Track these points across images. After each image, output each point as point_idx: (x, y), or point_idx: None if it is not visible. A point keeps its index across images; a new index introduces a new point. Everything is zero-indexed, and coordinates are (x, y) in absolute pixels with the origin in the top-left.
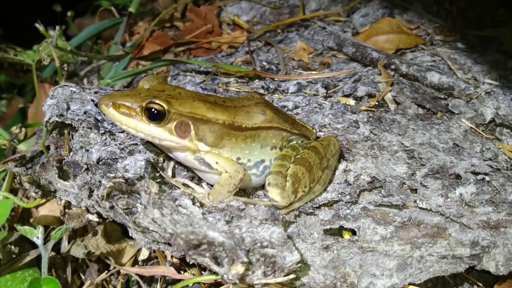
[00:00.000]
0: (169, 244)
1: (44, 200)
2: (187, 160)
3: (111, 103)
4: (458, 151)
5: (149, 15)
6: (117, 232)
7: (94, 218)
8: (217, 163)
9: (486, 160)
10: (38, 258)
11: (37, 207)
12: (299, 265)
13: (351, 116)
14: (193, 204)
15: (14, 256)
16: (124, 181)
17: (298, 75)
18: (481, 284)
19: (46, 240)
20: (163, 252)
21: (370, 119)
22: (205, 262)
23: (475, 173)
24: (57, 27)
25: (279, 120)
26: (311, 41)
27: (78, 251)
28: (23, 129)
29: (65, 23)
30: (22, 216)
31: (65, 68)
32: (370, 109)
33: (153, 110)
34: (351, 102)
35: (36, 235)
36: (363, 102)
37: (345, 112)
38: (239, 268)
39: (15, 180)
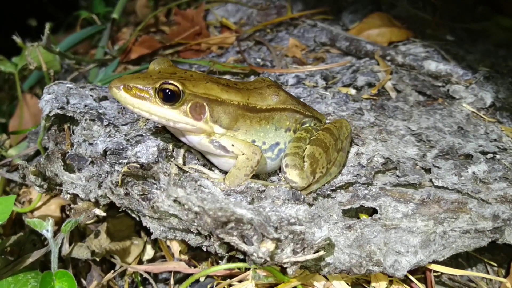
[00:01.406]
0: (188, 231)
1: (40, 203)
2: (202, 144)
3: (122, 86)
4: (464, 133)
5: (132, 24)
6: (120, 231)
7: (101, 212)
8: (233, 145)
9: (492, 141)
10: (40, 262)
11: (32, 211)
12: (327, 242)
13: (354, 105)
14: (214, 185)
15: (11, 259)
16: (139, 165)
17: (295, 68)
18: (495, 264)
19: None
20: (170, 249)
21: (373, 106)
22: (232, 241)
23: (483, 153)
24: (47, 25)
25: (292, 101)
26: (302, 38)
27: (81, 252)
28: (10, 136)
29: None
30: (15, 223)
31: (51, 74)
32: (371, 97)
33: (167, 91)
34: (352, 91)
35: (46, 227)
36: (363, 91)
37: (348, 101)
38: (269, 245)
39: (18, 173)
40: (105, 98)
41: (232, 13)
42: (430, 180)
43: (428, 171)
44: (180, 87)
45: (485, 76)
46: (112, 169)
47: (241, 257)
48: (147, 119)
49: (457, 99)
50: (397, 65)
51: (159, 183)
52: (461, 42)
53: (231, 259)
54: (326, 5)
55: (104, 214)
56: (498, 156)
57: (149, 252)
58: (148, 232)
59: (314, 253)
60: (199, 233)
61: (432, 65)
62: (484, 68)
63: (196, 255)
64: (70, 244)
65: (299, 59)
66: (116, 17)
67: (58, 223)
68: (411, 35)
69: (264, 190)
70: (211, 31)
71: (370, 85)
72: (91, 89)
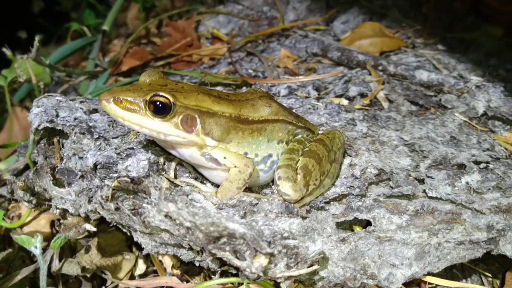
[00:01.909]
0: (180, 246)
1: (30, 218)
2: (193, 157)
3: (112, 99)
4: (456, 143)
5: (123, 35)
6: (111, 246)
7: (91, 227)
8: (225, 158)
9: (484, 151)
10: (30, 279)
11: (21, 226)
12: (321, 255)
13: (346, 115)
14: (205, 199)
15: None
16: (129, 180)
17: (287, 79)
18: (490, 275)
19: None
20: (162, 263)
21: (366, 117)
22: (225, 256)
23: (477, 163)
24: (37, 37)
25: (284, 112)
26: (294, 49)
27: (71, 268)
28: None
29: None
30: (3, 239)
31: (41, 86)
32: (364, 107)
33: (158, 103)
34: (344, 102)
35: (34, 244)
36: (356, 101)
37: (340, 112)
38: (262, 260)
39: (6, 188)
40: (95, 110)
41: (223, 24)
42: (424, 191)
43: (421, 181)
44: (171, 99)
45: (476, 85)
46: (102, 184)
47: (234, 271)
48: (138, 132)
49: (449, 108)
50: (389, 75)
51: (150, 197)
52: (452, 51)
53: (224, 274)
54: (318, 15)
55: (94, 229)
56: (491, 166)
57: (141, 267)
58: (139, 247)
59: (308, 267)
60: (191, 248)
61: (424, 75)
62: (476, 77)
63: (188, 269)
64: (60, 260)
65: (291, 70)
66: (107, 29)
67: (48, 238)
68: (403, 44)
69: (257, 204)
70: (202, 42)
71: (363, 95)
72: (81, 102)
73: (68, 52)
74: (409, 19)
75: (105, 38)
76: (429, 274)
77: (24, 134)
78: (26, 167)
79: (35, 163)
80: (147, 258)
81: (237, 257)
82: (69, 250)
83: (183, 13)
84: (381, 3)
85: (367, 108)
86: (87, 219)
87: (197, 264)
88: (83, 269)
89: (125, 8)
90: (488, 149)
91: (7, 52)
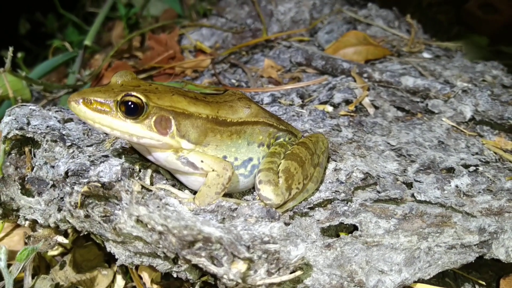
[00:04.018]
0: (155, 256)
1: (2, 235)
2: (169, 161)
3: (81, 100)
4: (445, 147)
5: (106, 51)
6: (88, 261)
7: (63, 239)
8: (202, 161)
9: (473, 155)
10: None
11: None
12: (304, 261)
13: (331, 121)
14: (180, 203)
15: None
16: (100, 185)
17: (271, 87)
18: (483, 283)
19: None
20: (141, 278)
21: (351, 123)
22: (201, 262)
23: (466, 166)
24: (10, 48)
25: (265, 114)
26: (278, 59)
27: (44, 285)
28: None
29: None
30: None
31: (20, 102)
32: (349, 114)
33: (129, 103)
34: (329, 109)
35: None
36: (341, 108)
37: (325, 118)
38: (240, 266)
39: None
40: (70, 120)
41: (207, 37)
42: (412, 195)
43: (409, 185)
44: (144, 100)
45: (463, 89)
46: (72, 190)
47: (213, 282)
48: (114, 140)
49: (436, 113)
50: (374, 82)
51: (121, 203)
52: (438, 59)
53: (204, 286)
54: (302, 26)
55: (66, 241)
56: (480, 169)
57: (119, 283)
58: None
59: (291, 273)
60: (166, 258)
61: (410, 81)
62: (462, 83)
63: (169, 284)
64: (33, 278)
65: (275, 79)
66: (88, 43)
67: None
68: (388, 53)
69: (236, 209)
70: (185, 55)
71: (347, 102)
72: (56, 111)
73: (49, 68)
74: (393, 29)
75: (87, 54)
76: (420, 281)
77: None
78: None
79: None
80: (126, 274)
81: (213, 263)
82: (44, 267)
83: (166, 27)
84: (365, 13)
85: (352, 114)
86: (58, 231)
87: (174, 275)
88: (57, 285)
89: (110, 27)
90: (477, 153)
91: None
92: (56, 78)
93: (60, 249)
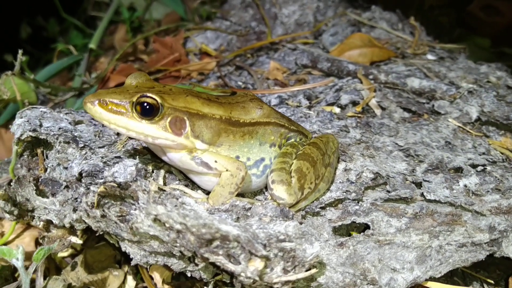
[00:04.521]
0: (170, 255)
1: (13, 236)
2: (183, 161)
3: (97, 101)
4: (452, 147)
5: (110, 55)
6: (99, 262)
7: (76, 240)
8: (216, 161)
9: (480, 155)
10: None
11: (5, 244)
12: (319, 259)
13: (339, 122)
14: (196, 202)
15: None
16: (116, 185)
17: (278, 89)
18: (492, 281)
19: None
20: (152, 278)
21: (359, 124)
22: (218, 260)
23: (473, 166)
24: (20, 51)
25: (276, 115)
26: (283, 62)
27: (56, 286)
28: None
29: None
30: None
31: (27, 105)
32: (356, 115)
33: (145, 104)
34: (336, 110)
35: (16, 256)
36: (348, 109)
37: (332, 119)
38: (258, 264)
39: None
40: (80, 122)
41: (211, 40)
42: (422, 194)
43: (418, 185)
44: (159, 100)
45: (469, 90)
46: (88, 191)
47: (228, 281)
48: (126, 141)
49: (443, 114)
50: (380, 83)
51: (138, 203)
52: (442, 61)
53: (217, 285)
54: (306, 29)
55: (80, 241)
56: (488, 168)
57: (130, 284)
58: (128, 261)
59: (306, 271)
60: (182, 257)
61: (416, 82)
62: (468, 84)
63: (180, 284)
64: (45, 279)
65: (281, 81)
66: (93, 47)
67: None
68: (392, 54)
69: (250, 208)
70: (190, 58)
71: (354, 103)
72: (66, 113)
73: (55, 71)
74: (397, 31)
75: (91, 57)
76: (431, 279)
77: (9, 156)
78: (9, 183)
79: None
80: (137, 275)
81: (231, 262)
82: (54, 268)
83: (170, 30)
84: (369, 16)
85: (359, 115)
86: (72, 231)
87: (188, 274)
88: (69, 286)
89: (112, 31)
90: (484, 153)
91: None
92: (60, 82)
93: (70, 251)
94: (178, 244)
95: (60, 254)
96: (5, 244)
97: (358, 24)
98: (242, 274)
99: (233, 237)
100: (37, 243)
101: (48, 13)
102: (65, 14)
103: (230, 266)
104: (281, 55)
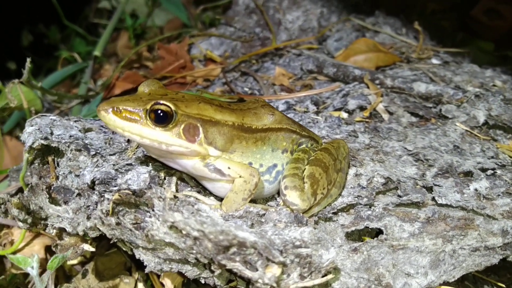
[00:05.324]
0: (185, 262)
1: (23, 244)
2: (196, 168)
3: (110, 109)
4: (460, 152)
5: (114, 62)
6: (110, 270)
7: (89, 247)
8: (229, 168)
9: (489, 158)
10: None
11: (14, 253)
12: (334, 265)
13: (347, 128)
14: (210, 209)
15: None
16: (131, 192)
17: (284, 95)
18: (503, 286)
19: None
20: (163, 286)
21: (367, 129)
22: (235, 267)
23: (483, 170)
24: (28, 59)
25: (288, 121)
26: (288, 67)
27: None
28: None
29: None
30: None
31: (33, 113)
32: (364, 120)
33: (159, 112)
34: (344, 115)
35: (31, 264)
36: (355, 114)
37: (340, 125)
38: (275, 270)
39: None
40: (90, 129)
41: (216, 46)
42: (433, 199)
43: (429, 189)
44: (173, 108)
45: (476, 94)
46: (102, 198)
47: (242, 287)
48: (136, 149)
49: (450, 118)
50: (386, 88)
51: (153, 210)
52: (447, 65)
53: None
54: (310, 34)
55: (93, 249)
56: (498, 172)
57: None
58: (139, 269)
59: (322, 276)
60: (196, 264)
61: (422, 87)
62: (474, 88)
63: None
64: (55, 286)
65: (287, 87)
66: (98, 54)
67: (43, 264)
68: (398, 59)
69: (264, 214)
70: (195, 64)
71: (362, 108)
72: (75, 121)
73: (60, 78)
74: (401, 36)
75: (96, 65)
76: (445, 283)
77: (14, 163)
78: (19, 191)
79: (29, 186)
80: (147, 282)
81: (248, 268)
82: (63, 277)
83: (173, 36)
84: (373, 21)
85: (367, 120)
86: (84, 239)
87: (202, 281)
88: None
89: (115, 38)
90: (492, 157)
91: None
92: (65, 89)
93: (79, 258)
94: (194, 251)
95: (69, 262)
96: (15, 252)
97: (362, 29)
98: (260, 280)
99: (250, 244)
100: (47, 251)
101: (49, 21)
102: (66, 21)
103: (247, 273)
104: (286, 61)
